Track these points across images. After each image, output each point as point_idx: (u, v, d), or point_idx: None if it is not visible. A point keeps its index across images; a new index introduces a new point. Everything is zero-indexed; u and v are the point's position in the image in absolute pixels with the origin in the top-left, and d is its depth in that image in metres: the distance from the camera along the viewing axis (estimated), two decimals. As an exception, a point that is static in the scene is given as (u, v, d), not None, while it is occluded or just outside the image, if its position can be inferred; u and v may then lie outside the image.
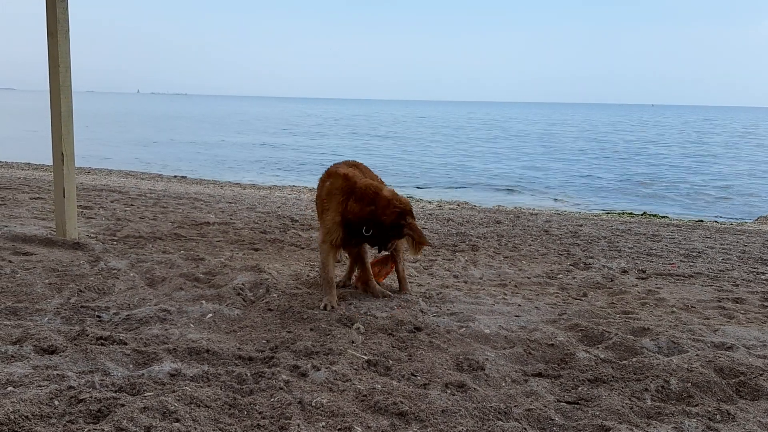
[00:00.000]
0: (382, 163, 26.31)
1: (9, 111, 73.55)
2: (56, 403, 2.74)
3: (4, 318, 3.90)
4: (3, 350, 3.33)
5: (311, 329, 4.04)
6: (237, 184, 18.00)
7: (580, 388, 3.36)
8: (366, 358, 3.55)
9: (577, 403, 3.18)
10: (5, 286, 4.58)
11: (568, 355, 3.81)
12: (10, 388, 2.89)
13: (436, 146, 36.96)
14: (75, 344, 3.48)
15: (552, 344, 3.99)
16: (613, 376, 3.50)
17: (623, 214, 14.64)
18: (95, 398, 2.76)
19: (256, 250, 6.95)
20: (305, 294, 4.83)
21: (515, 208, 14.71)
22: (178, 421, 2.61)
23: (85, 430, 2.50)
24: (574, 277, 6.46)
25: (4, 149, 24.44)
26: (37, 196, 10.28)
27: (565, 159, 30.65)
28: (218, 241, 7.25)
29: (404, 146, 36.58)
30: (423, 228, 9.23)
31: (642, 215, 14.47)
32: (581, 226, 10.73)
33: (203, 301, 4.46)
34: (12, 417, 2.55)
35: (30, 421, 2.57)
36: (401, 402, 2.95)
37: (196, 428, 2.57)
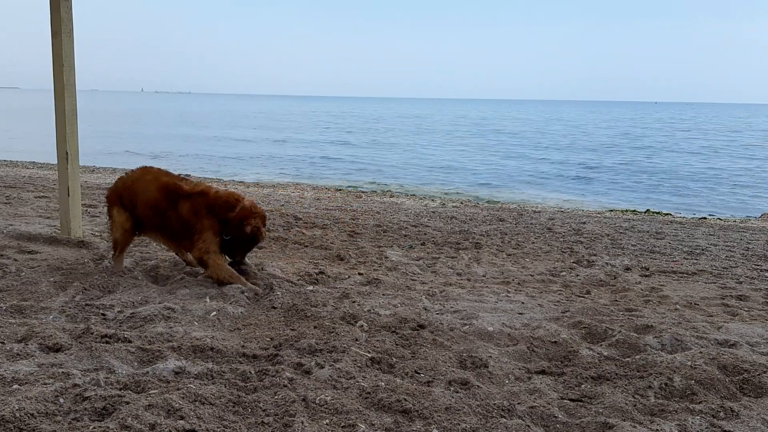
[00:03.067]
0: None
1: (14, 110, 73.65)
2: (61, 400, 2.75)
3: (9, 316, 3.92)
4: (8, 348, 3.34)
5: (315, 327, 4.05)
6: (241, 182, 18.02)
7: (583, 386, 3.37)
8: (370, 355, 3.56)
9: (581, 401, 3.19)
10: (10, 285, 4.59)
11: (572, 353, 3.82)
12: (15, 386, 2.91)
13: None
14: (80, 342, 3.49)
15: (555, 341, 3.99)
16: (616, 374, 3.51)
17: (626, 211, 14.62)
18: (100, 396, 2.77)
19: (260, 248, 6.96)
20: (309, 292, 4.84)
21: (518, 205, 14.70)
22: (182, 418, 2.62)
23: (90, 427, 2.51)
24: (578, 275, 6.46)
25: (9, 148, 24.50)
26: (42, 194, 10.32)
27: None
28: (222, 240, 7.27)
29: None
30: (426, 226, 9.24)
31: (645, 212, 14.46)
32: (584, 223, 10.73)
33: (207, 299, 4.47)
34: (18, 415, 2.56)
35: (35, 418, 2.58)
36: (405, 399, 2.96)
37: (200, 426, 2.58)
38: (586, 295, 5.60)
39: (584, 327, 4.30)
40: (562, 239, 8.80)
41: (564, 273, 6.54)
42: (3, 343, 3.43)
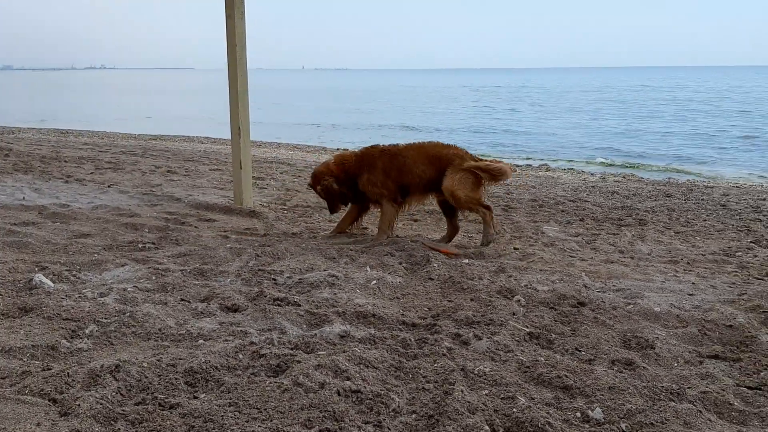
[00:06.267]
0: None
1: (189, 89, 79.86)
2: (240, 356, 3.00)
3: (193, 278, 4.31)
4: (194, 307, 3.69)
5: (472, 299, 4.07)
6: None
7: (762, 373, 3.12)
8: (528, 330, 3.53)
9: (760, 389, 2.96)
10: (192, 250, 5.03)
11: (749, 338, 3.54)
12: (201, 341, 3.22)
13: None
14: (255, 304, 3.77)
15: (731, 325, 3.72)
16: (803, 363, 3.22)
17: (815, 187, 13.19)
18: (274, 354, 2.99)
19: (416, 220, 7.08)
20: (465, 265, 4.87)
21: (688, 180, 13.75)
22: (349, 379, 2.76)
23: (267, 382, 2.72)
24: (756, 255, 5.96)
25: (186, 125, 26.61)
26: (216, 167, 11.14)
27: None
28: (380, 212, 7.48)
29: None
30: (585, 201, 8.92)
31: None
32: (764, 200, 9.82)
33: (368, 268, 4.64)
34: (204, 367, 2.83)
35: (219, 371, 2.84)
36: (566, 376, 2.91)
37: (365, 387, 2.70)
38: (766, 278, 5.15)
39: (764, 311, 3.96)
40: (738, 217, 8.12)
41: (740, 253, 6.05)
42: (189, 301, 3.79)
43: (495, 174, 5.48)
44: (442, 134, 25.57)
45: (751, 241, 6.62)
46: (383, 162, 5.57)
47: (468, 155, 5.60)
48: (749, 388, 2.97)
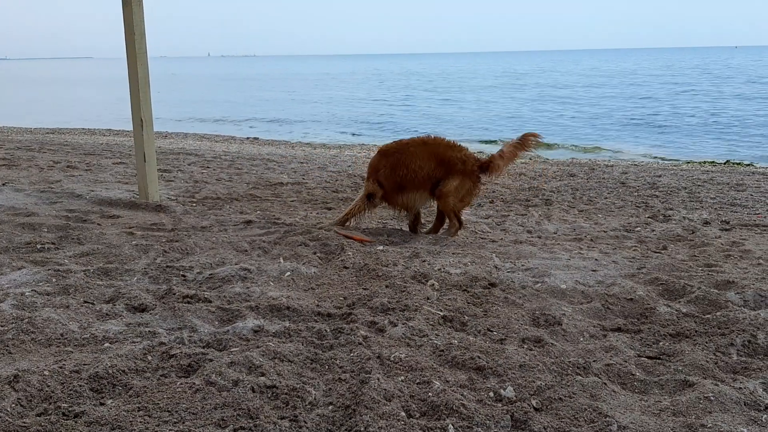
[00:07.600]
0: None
1: (89, 79, 76.23)
2: (149, 358, 2.89)
3: (97, 278, 4.12)
4: (98, 309, 3.52)
5: (387, 286, 4.09)
6: (308, 144, 18.21)
7: (661, 343, 3.30)
8: (442, 313, 3.58)
9: (659, 358, 3.13)
10: (96, 248, 4.81)
11: (648, 310, 3.74)
12: (106, 344, 3.08)
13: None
14: (163, 302, 3.64)
15: (631, 299, 3.91)
16: (696, 331, 3.42)
17: (704, 163, 14.05)
18: (185, 354, 2.90)
19: (329, 209, 7.05)
20: (379, 252, 4.89)
21: (589, 160, 14.33)
22: (263, 375, 2.71)
23: (178, 383, 2.64)
24: (653, 230, 6.29)
25: (86, 116, 25.42)
26: (120, 161, 10.71)
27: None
28: (292, 201, 7.40)
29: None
30: (494, 183, 9.13)
31: (725, 163, 13.86)
32: (660, 176, 10.38)
33: (281, 260, 4.58)
34: (110, 371, 2.72)
35: (127, 375, 2.73)
36: (478, 357, 2.97)
37: (280, 382, 2.66)
38: (663, 251, 5.45)
39: (661, 283, 4.19)
40: (636, 194, 8.55)
41: (639, 228, 6.37)
42: (93, 303, 3.62)
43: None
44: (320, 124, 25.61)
45: (648, 217, 6.98)
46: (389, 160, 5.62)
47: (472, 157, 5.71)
48: (649, 358, 3.13)
